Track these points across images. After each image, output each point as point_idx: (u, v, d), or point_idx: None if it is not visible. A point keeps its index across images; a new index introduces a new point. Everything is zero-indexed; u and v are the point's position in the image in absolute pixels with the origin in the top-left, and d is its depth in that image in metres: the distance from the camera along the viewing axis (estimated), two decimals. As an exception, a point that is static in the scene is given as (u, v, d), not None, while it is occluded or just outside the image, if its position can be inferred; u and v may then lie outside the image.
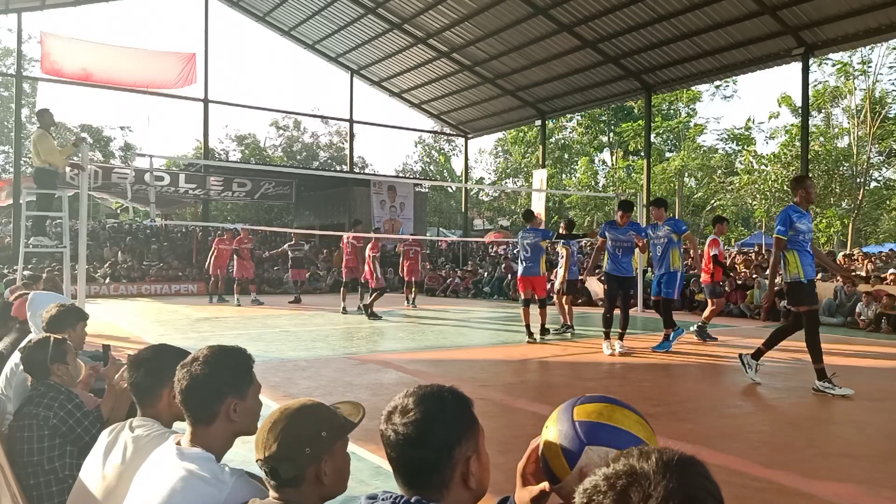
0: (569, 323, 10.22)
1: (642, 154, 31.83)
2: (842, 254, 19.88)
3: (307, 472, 1.37)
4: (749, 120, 40.14)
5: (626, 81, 19.34)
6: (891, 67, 35.76)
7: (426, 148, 48.47)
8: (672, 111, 37.66)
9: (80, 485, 1.88)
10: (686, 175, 35.15)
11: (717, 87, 35.13)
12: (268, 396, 4.48)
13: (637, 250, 8.29)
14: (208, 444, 1.60)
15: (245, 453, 2.50)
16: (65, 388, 2.55)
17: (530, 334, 8.94)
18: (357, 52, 23.61)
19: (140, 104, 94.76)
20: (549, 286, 10.13)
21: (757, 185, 29.72)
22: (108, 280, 19.85)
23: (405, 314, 13.28)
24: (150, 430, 1.86)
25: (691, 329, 9.10)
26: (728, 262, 17.84)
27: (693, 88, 32.76)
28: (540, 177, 23.13)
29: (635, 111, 36.30)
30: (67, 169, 13.24)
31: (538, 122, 24.70)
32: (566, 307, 10.35)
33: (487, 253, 27.47)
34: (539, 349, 8.44)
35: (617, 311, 7.99)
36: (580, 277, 11.58)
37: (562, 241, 9.90)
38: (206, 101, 23.20)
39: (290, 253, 16.79)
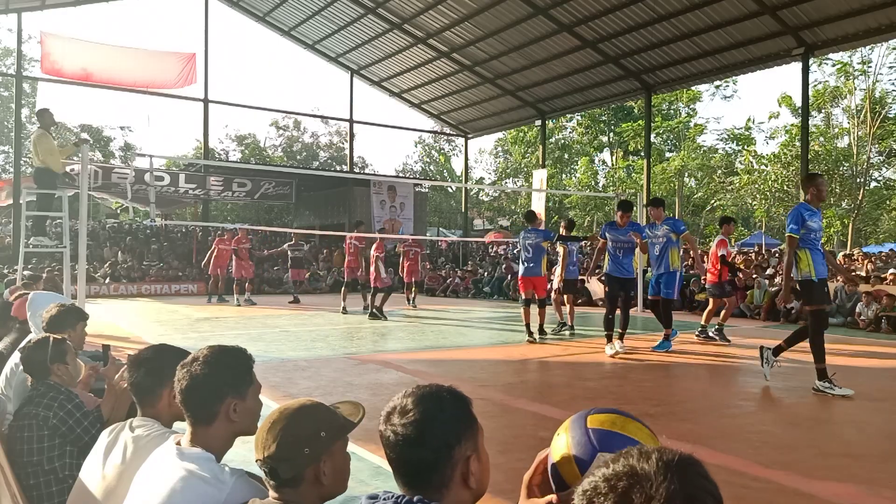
0: (563, 321, 10.33)
1: (642, 154, 31.83)
2: (842, 254, 19.91)
3: (306, 473, 1.37)
4: (749, 120, 40.19)
5: (626, 81, 19.33)
6: (891, 67, 35.80)
7: (426, 148, 48.50)
8: (672, 111, 37.66)
9: (80, 485, 1.88)
10: (686, 175, 35.16)
11: (717, 87, 35.16)
12: (268, 396, 4.48)
13: (637, 250, 8.28)
14: (208, 444, 1.60)
15: (245, 453, 2.50)
16: (65, 388, 2.55)
17: (530, 334, 8.96)
18: (357, 52, 23.61)
19: (140, 104, 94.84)
20: (549, 286, 10.15)
21: (757, 185, 29.74)
22: (108, 280, 19.85)
23: (405, 314, 13.28)
24: (150, 430, 1.86)
25: (711, 333, 8.98)
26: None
27: (693, 88, 32.76)
28: (540, 177, 23.12)
29: (635, 111, 36.30)
30: (68, 169, 13.23)
31: (538, 122, 24.70)
32: (568, 306, 10.44)
33: (487, 253, 27.47)
34: (539, 349, 8.44)
35: (617, 312, 7.99)
36: (580, 277, 11.57)
37: (560, 241, 9.88)
38: (206, 101, 23.20)
39: (289, 253, 16.79)
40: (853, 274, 12.46)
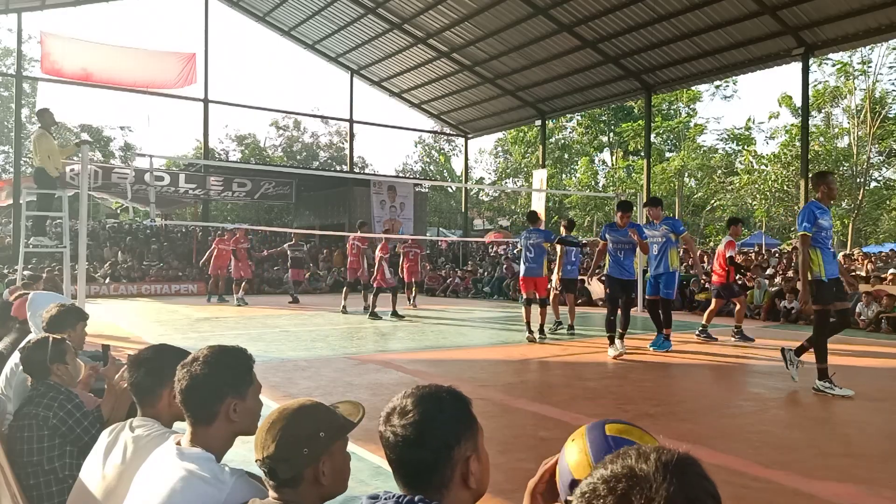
0: (559, 321, 10.37)
1: (642, 154, 31.83)
2: (842, 254, 19.89)
3: (305, 473, 1.37)
4: (749, 120, 40.19)
5: (626, 81, 19.34)
6: (891, 67, 35.83)
7: (426, 148, 48.50)
8: (672, 111, 37.66)
9: (80, 485, 1.88)
10: (686, 175, 35.16)
11: (717, 87, 35.17)
12: (268, 396, 4.48)
13: (638, 250, 8.24)
14: (208, 444, 1.60)
15: (245, 453, 2.50)
16: (64, 388, 2.55)
17: (531, 332, 8.98)
18: (357, 52, 23.61)
19: (140, 104, 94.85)
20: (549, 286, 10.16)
21: (757, 185, 29.75)
22: (108, 280, 19.85)
23: (405, 314, 13.27)
24: (150, 430, 1.86)
25: (734, 338, 8.94)
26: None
27: (693, 88, 32.76)
28: (540, 177, 23.13)
29: (635, 111, 36.31)
30: (68, 170, 13.23)
31: (538, 122, 24.71)
32: (568, 305, 10.47)
33: (487, 253, 27.47)
34: (539, 349, 8.44)
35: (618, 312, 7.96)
36: (580, 277, 11.57)
37: (559, 244, 9.85)
38: (206, 101, 23.20)
39: (289, 253, 16.79)
40: (852, 274, 12.46)
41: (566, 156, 41.80)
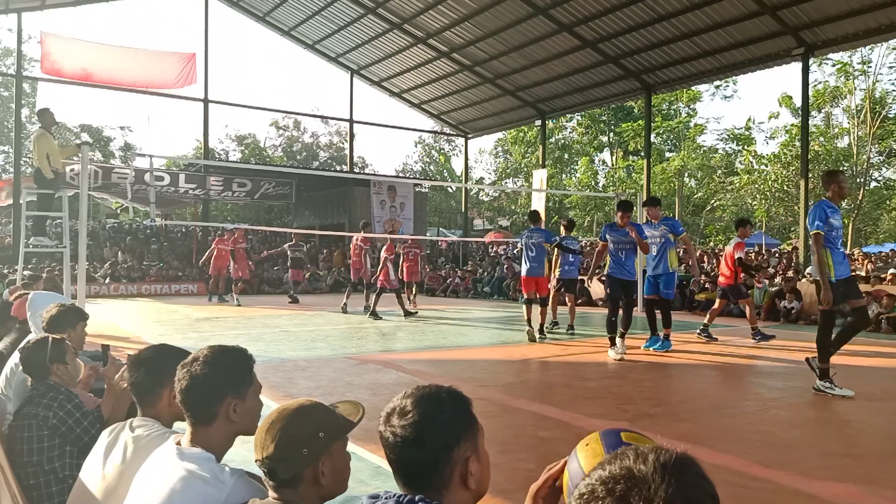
0: (555, 321, 10.40)
1: (642, 154, 31.83)
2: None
3: (305, 473, 1.37)
4: (749, 120, 40.18)
5: (626, 81, 19.34)
6: (891, 67, 35.86)
7: (426, 148, 48.51)
8: (672, 111, 37.67)
9: (80, 485, 1.88)
10: (686, 175, 35.16)
11: (717, 87, 35.17)
12: (268, 396, 4.48)
13: (640, 250, 8.19)
14: (208, 444, 1.60)
15: (245, 453, 2.50)
16: (64, 388, 2.55)
17: (531, 325, 9.04)
18: (357, 52, 23.61)
19: (140, 104, 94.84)
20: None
21: (757, 185, 29.75)
22: (108, 280, 19.85)
23: (402, 314, 13.27)
24: (150, 430, 1.86)
25: (755, 340, 8.87)
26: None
27: (693, 88, 32.76)
28: (540, 177, 23.13)
29: (635, 111, 36.30)
30: (68, 169, 13.23)
31: (538, 122, 24.70)
32: (569, 305, 10.51)
33: (487, 253, 27.47)
34: (539, 349, 8.44)
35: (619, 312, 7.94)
36: (580, 278, 11.57)
37: (557, 247, 9.84)
38: (206, 101, 23.20)
39: (289, 253, 16.80)
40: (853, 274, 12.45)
41: (566, 156, 41.80)
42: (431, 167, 48.30)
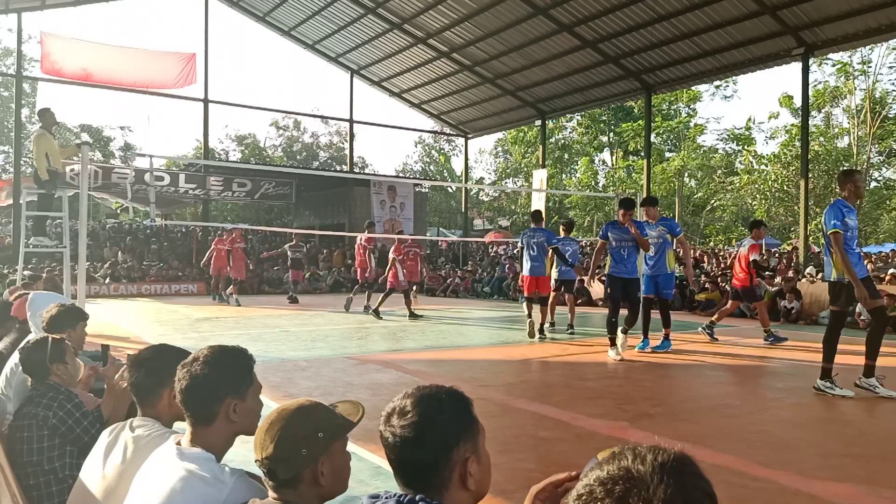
0: (553, 321, 10.40)
1: (642, 154, 31.82)
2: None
3: (304, 473, 1.37)
4: (749, 120, 40.17)
5: (626, 81, 19.34)
6: (891, 67, 35.85)
7: (426, 148, 48.52)
8: (672, 111, 37.65)
9: (80, 485, 1.88)
10: (686, 175, 35.15)
11: (717, 87, 35.16)
12: (268, 396, 4.48)
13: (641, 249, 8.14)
14: (208, 444, 1.60)
15: (245, 453, 2.50)
16: (64, 388, 2.55)
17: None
18: (357, 52, 23.61)
19: (140, 104, 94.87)
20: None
21: (757, 185, 29.74)
22: (108, 280, 19.85)
23: (405, 314, 13.27)
24: (150, 430, 1.86)
25: (767, 341, 8.79)
26: (728, 261, 17.86)
27: (693, 88, 32.75)
28: (540, 177, 23.13)
29: (635, 111, 36.30)
30: (68, 169, 13.23)
31: (538, 122, 24.71)
32: (569, 305, 10.56)
33: (487, 253, 27.47)
34: (539, 349, 8.44)
35: (623, 312, 7.93)
36: (580, 278, 11.58)
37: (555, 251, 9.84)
38: (206, 101, 23.20)
39: (289, 253, 16.81)
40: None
41: (566, 156, 41.80)
42: (431, 167, 48.31)
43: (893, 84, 49.55)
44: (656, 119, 33.45)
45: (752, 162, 32.68)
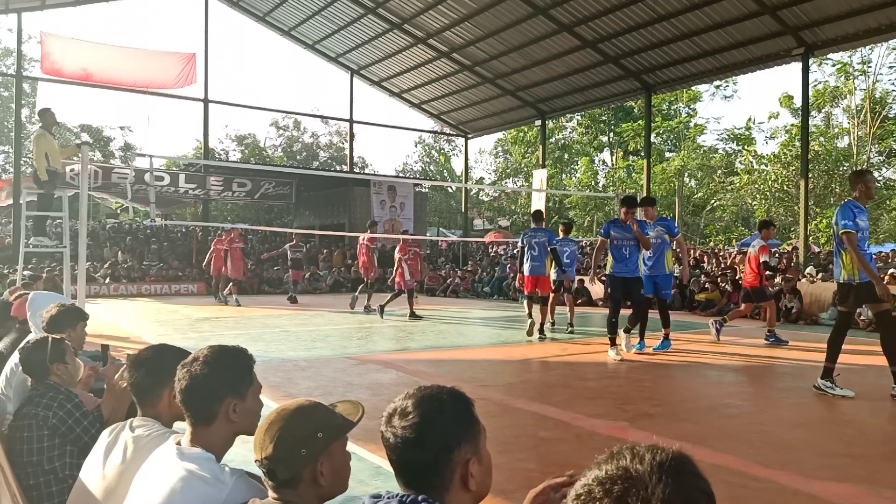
0: (553, 320, 10.42)
1: (642, 154, 31.82)
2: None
3: (304, 473, 1.37)
4: (749, 120, 40.16)
5: (626, 81, 19.33)
6: (891, 67, 35.83)
7: (426, 148, 48.52)
8: (672, 111, 37.64)
9: (80, 485, 1.88)
10: (686, 175, 35.14)
11: (717, 87, 35.13)
12: (268, 396, 4.48)
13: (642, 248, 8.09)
14: (208, 444, 1.60)
15: (245, 453, 2.50)
16: (64, 387, 2.55)
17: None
18: (357, 52, 23.61)
19: (140, 104, 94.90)
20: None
21: (757, 185, 29.72)
22: (108, 280, 19.84)
23: (405, 314, 13.27)
24: (150, 430, 1.86)
25: (768, 341, 8.80)
26: (728, 261, 17.85)
27: (693, 88, 32.73)
28: (540, 177, 23.13)
29: (635, 111, 36.29)
30: (68, 169, 13.22)
31: (538, 122, 24.70)
32: (568, 305, 10.59)
33: (487, 253, 27.47)
34: (539, 349, 8.44)
35: (625, 311, 7.91)
36: (579, 278, 11.60)
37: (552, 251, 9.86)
38: (206, 101, 23.20)
39: (289, 253, 16.82)
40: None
41: (566, 156, 41.80)
42: (431, 167, 48.32)
43: (893, 84, 49.56)
44: (656, 119, 33.44)
45: (752, 162, 32.65)
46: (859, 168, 8.47)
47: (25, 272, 10.79)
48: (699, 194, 36.06)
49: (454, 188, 42.05)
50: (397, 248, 12.57)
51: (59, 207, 9.23)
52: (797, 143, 25.65)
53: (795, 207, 24.56)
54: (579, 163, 40.70)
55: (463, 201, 31.74)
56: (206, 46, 22.80)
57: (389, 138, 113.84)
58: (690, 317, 12.95)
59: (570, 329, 10.20)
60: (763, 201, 29.43)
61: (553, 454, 3.85)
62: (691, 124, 35.94)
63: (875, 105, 28.85)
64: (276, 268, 21.74)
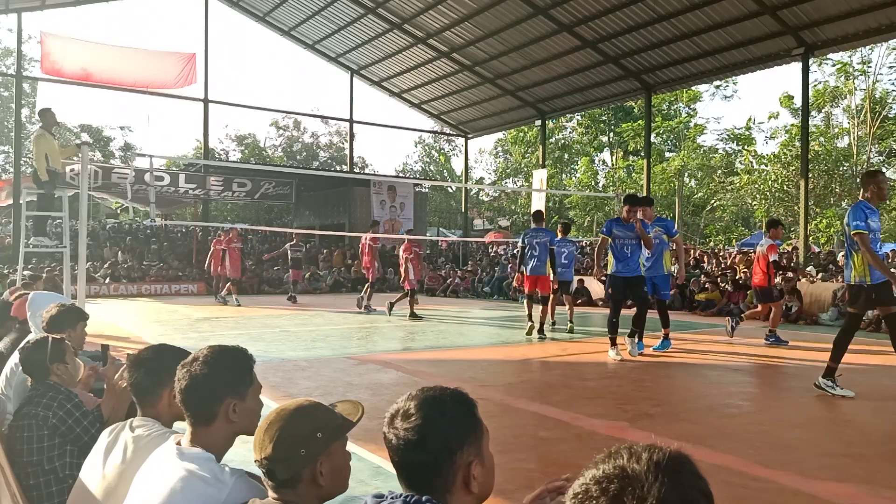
0: (554, 320, 10.42)
1: (642, 154, 31.81)
2: (841, 254, 19.88)
3: (303, 473, 1.37)
4: (749, 120, 40.13)
5: (626, 81, 19.33)
6: (891, 67, 35.77)
7: (426, 148, 48.52)
8: (672, 111, 37.63)
9: (80, 485, 1.88)
10: (686, 175, 35.13)
11: (717, 87, 35.11)
12: (268, 396, 4.47)
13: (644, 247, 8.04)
14: (208, 444, 1.60)
15: (245, 453, 2.50)
16: (64, 387, 2.55)
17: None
18: (357, 52, 23.61)
19: (140, 104, 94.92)
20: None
21: (757, 185, 29.71)
22: (108, 280, 19.84)
23: (405, 314, 13.27)
24: (150, 430, 1.86)
25: (768, 341, 8.78)
26: (728, 261, 17.85)
27: (693, 88, 32.73)
28: (540, 177, 23.13)
29: (635, 111, 36.28)
30: (68, 169, 13.22)
31: (538, 122, 24.70)
32: (568, 305, 10.64)
33: (487, 253, 27.47)
34: (539, 349, 8.44)
35: (626, 312, 7.90)
36: (579, 278, 11.61)
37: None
38: (206, 101, 23.20)
39: (289, 253, 16.83)
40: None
41: (566, 156, 41.79)
42: (431, 167, 48.32)
43: (893, 84, 49.57)
44: (656, 119, 33.43)
45: (752, 162, 32.65)
46: (870, 168, 8.42)
47: (25, 272, 10.79)
48: (699, 194, 36.05)
49: (454, 188, 42.06)
50: (402, 248, 12.56)
51: (59, 207, 9.22)
52: (797, 143, 25.65)
53: (795, 207, 24.56)
54: (579, 163, 40.70)
55: (463, 201, 31.74)
56: (206, 46, 22.80)
57: (389, 138, 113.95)
58: (690, 317, 12.94)
59: (569, 324, 10.23)
60: (763, 201, 29.42)
61: (553, 454, 3.86)
62: (691, 124, 35.93)
63: (875, 105, 28.84)
64: (276, 268, 21.74)
